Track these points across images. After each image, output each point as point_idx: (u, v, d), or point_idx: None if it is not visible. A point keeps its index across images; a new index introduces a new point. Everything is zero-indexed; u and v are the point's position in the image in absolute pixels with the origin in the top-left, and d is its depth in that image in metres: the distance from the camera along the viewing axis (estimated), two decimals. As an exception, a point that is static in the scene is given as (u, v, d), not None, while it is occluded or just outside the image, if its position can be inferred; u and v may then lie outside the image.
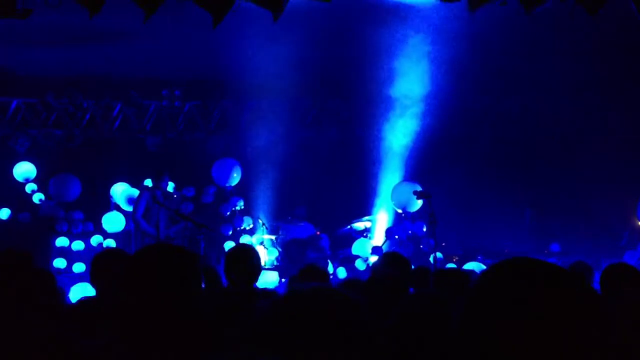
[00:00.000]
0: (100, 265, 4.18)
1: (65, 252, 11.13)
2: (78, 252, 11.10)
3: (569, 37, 9.56)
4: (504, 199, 11.59)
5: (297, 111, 12.19)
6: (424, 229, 10.82)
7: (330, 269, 10.38)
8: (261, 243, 10.85)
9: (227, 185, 11.62)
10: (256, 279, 4.39)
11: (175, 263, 2.33)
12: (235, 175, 11.56)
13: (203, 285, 4.18)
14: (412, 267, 5.31)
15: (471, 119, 12.26)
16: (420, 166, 11.49)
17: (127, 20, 8.46)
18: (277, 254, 10.84)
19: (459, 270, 5.30)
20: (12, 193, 11.61)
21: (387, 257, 4.50)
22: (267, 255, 10.57)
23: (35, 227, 11.41)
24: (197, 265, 2.40)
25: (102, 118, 12.32)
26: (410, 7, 9.39)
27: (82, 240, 11.27)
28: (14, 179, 11.64)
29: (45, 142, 12.17)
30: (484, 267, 9.92)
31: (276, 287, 8.90)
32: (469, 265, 9.51)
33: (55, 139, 12.24)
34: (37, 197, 11.64)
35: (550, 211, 12.11)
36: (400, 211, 11.04)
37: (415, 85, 11.36)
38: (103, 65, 11.16)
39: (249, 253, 4.43)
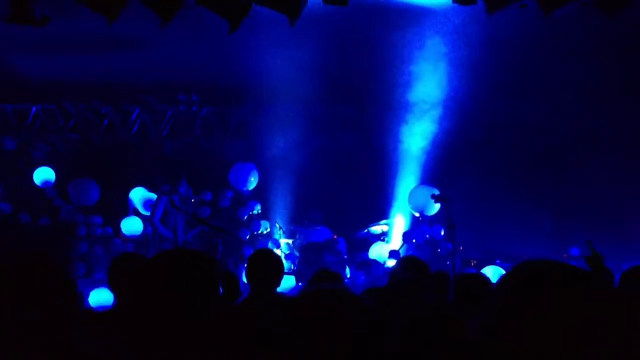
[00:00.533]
0: (118, 270, 4.21)
1: (85, 257, 11.23)
2: (97, 256, 11.18)
3: (587, 40, 9.50)
4: (523, 202, 11.52)
5: (313, 116, 12.20)
6: (442, 233, 10.77)
7: (348, 272, 10.37)
8: (278, 247, 10.85)
9: (245, 189, 11.65)
10: (278, 284, 4.35)
11: (192, 267, 2.34)
12: (252, 179, 11.59)
13: (221, 291, 4.18)
14: (431, 271, 5.29)
15: (489, 122, 12.20)
16: (438, 170, 11.44)
17: (144, 28, 8.52)
18: (293, 258, 10.85)
19: (480, 275, 5.26)
20: (32, 198, 11.73)
21: (405, 261, 4.47)
22: (283, 259, 10.57)
23: (55, 232, 11.52)
24: (214, 270, 2.40)
25: (120, 123, 12.42)
26: (427, 10, 9.38)
27: (101, 245, 11.35)
28: (34, 184, 11.75)
29: (63, 147, 12.29)
30: (503, 270, 9.86)
31: (294, 292, 8.89)
32: (488, 269, 9.46)
33: (74, 144, 12.35)
34: (57, 203, 11.75)
35: (570, 215, 12.01)
36: (417, 215, 11.01)
37: (432, 89, 11.33)
38: (121, 71, 11.23)
39: (271, 258, 4.39)
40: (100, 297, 8.73)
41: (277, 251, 10.51)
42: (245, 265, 4.41)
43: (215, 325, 2.28)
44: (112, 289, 4.26)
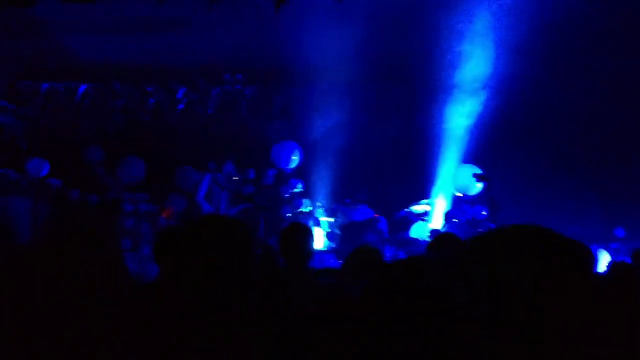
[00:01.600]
0: (163, 244, 4.34)
1: (131, 232, 11.50)
2: (143, 232, 11.44)
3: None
4: (567, 183, 11.38)
5: (357, 96, 12.20)
6: (484, 213, 10.73)
7: (388, 252, 10.42)
8: (319, 226, 10.95)
9: (287, 167, 11.76)
10: (309, 258, 4.40)
11: (230, 232, 2.40)
12: (294, 157, 11.68)
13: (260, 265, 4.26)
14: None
15: (534, 104, 12.04)
16: (481, 150, 11.37)
17: (190, 9, 8.64)
18: (334, 236, 10.93)
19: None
20: (81, 175, 12.03)
21: (441, 237, 4.51)
22: (324, 237, 10.68)
23: (103, 208, 11.81)
24: (251, 236, 2.46)
25: (167, 103, 12.62)
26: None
27: (147, 222, 11.60)
28: (83, 162, 12.06)
29: (112, 126, 12.56)
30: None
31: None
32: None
33: (122, 123, 12.61)
34: (106, 181, 12.03)
35: (615, 195, 11.82)
36: (460, 194, 10.97)
37: (478, 70, 11.23)
38: (167, 52, 11.40)
39: (301, 232, 4.42)
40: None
41: (318, 229, 10.61)
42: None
43: (247, 294, 2.35)
44: (158, 264, 4.39)
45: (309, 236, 4.41)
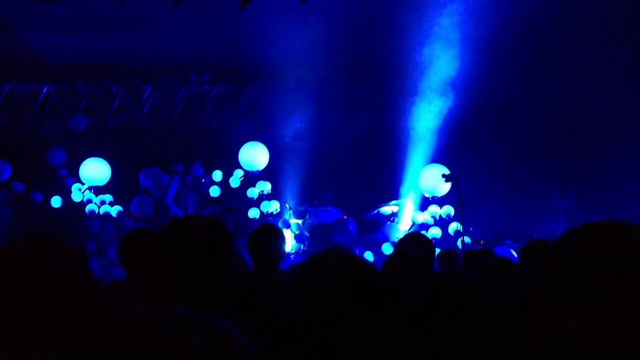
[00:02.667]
0: (128, 247, 4.23)
1: (96, 236, 11.31)
2: (108, 235, 11.26)
3: (601, 21, 9.41)
4: (533, 183, 11.47)
5: (324, 96, 12.16)
6: (452, 213, 10.76)
7: (357, 253, 10.39)
8: (288, 227, 10.88)
9: (255, 169, 11.66)
10: (280, 260, 4.30)
11: (204, 234, 2.34)
12: (262, 159, 11.59)
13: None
14: (438, 249, 5.28)
15: (501, 102, 12.14)
16: (449, 150, 11.40)
17: (155, 7, 8.52)
18: (303, 238, 10.87)
19: (489, 251, 5.23)
20: (44, 178, 11.80)
21: (410, 236, 4.47)
22: (293, 239, 10.60)
23: (67, 211, 11.60)
24: (227, 238, 2.39)
25: (132, 103, 12.44)
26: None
27: (112, 224, 11.42)
28: (46, 164, 11.82)
29: (75, 128, 12.33)
30: (513, 251, 9.85)
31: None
32: (497, 250, 9.44)
33: (86, 124, 12.38)
34: (69, 183, 11.82)
35: (582, 195, 11.95)
36: (428, 195, 10.99)
37: (445, 69, 11.26)
38: (132, 51, 11.24)
39: (272, 233, 4.32)
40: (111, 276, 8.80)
41: (287, 231, 10.54)
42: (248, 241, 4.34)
43: (222, 293, 2.28)
44: (123, 267, 4.28)
45: (280, 238, 4.32)
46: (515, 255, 9.97)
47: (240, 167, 11.73)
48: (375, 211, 11.45)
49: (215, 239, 2.32)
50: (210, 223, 2.42)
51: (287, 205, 11.32)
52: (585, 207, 11.74)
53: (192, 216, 2.67)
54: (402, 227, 10.92)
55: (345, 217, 11.23)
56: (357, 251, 10.42)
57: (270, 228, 4.48)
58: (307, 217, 11.26)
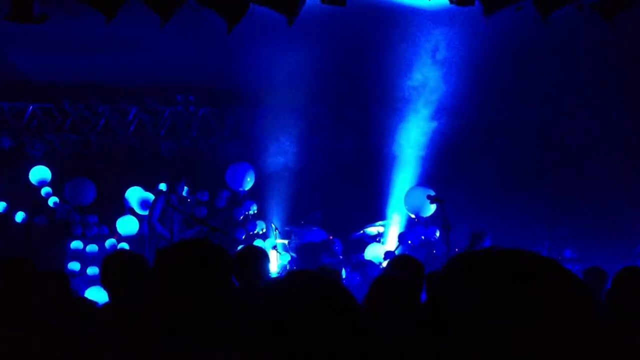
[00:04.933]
0: (110, 267, 4.21)
1: (80, 255, 11.23)
2: (92, 255, 11.20)
3: (586, 45, 9.52)
4: (518, 205, 11.54)
5: (310, 117, 12.21)
6: (437, 234, 10.79)
7: (343, 273, 10.37)
8: (274, 247, 10.87)
9: (241, 189, 11.66)
10: (264, 279, 4.30)
11: (213, 256, 2.33)
12: (249, 179, 11.60)
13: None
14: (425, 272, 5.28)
15: (486, 125, 12.24)
16: (435, 172, 11.46)
17: (142, 29, 8.54)
18: (289, 258, 10.85)
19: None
20: (28, 197, 11.73)
21: (399, 260, 4.48)
22: (279, 259, 10.58)
23: (51, 231, 11.53)
24: (226, 261, 2.39)
25: (118, 123, 12.42)
26: (426, 12, 9.39)
27: (97, 244, 11.36)
28: (30, 183, 11.75)
29: (60, 147, 12.28)
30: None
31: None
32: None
33: (71, 143, 12.34)
34: (53, 201, 11.75)
35: (565, 217, 12.04)
36: (413, 216, 11.02)
37: (430, 92, 11.36)
38: (118, 72, 11.24)
39: (258, 254, 4.35)
40: (95, 295, 8.73)
41: (273, 252, 10.52)
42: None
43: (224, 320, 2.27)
44: (105, 287, 4.26)
45: (265, 259, 4.33)
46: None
47: (227, 187, 11.74)
48: (361, 231, 11.47)
49: (221, 265, 2.32)
50: (214, 248, 2.41)
51: (272, 226, 11.31)
52: (567, 228, 11.85)
53: (192, 241, 2.65)
54: (387, 248, 10.94)
55: (331, 237, 11.24)
56: (344, 271, 10.42)
57: (254, 249, 4.49)
58: (292, 237, 11.25)
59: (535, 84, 11.28)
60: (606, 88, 11.10)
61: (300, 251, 10.97)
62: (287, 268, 10.68)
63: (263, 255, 4.34)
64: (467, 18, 8.66)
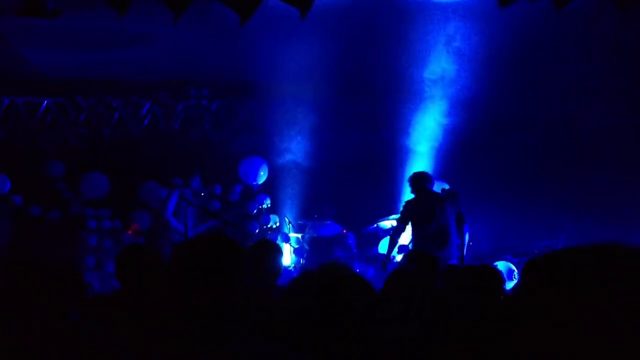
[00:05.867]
0: (125, 262, 4.22)
1: (94, 250, 11.28)
2: (106, 249, 11.24)
3: (602, 39, 9.43)
4: (535, 197, 11.45)
5: (323, 111, 12.18)
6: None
7: (357, 267, 10.36)
8: (287, 241, 10.86)
9: (254, 183, 11.65)
10: (277, 275, 4.27)
11: (218, 254, 2.33)
12: (262, 173, 11.60)
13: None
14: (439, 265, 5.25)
15: (502, 117, 12.14)
16: (449, 165, 11.40)
17: (155, 24, 8.53)
18: (303, 252, 10.84)
19: (489, 266, 5.19)
20: (42, 191, 11.78)
21: (413, 255, 4.45)
22: (292, 253, 10.58)
23: (65, 225, 11.58)
24: (239, 257, 2.38)
25: (131, 118, 12.45)
26: (439, 4, 9.33)
27: (111, 238, 11.40)
28: (44, 177, 11.81)
29: (74, 141, 12.33)
30: (513, 266, 9.83)
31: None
32: (497, 265, 9.41)
33: (85, 138, 12.39)
34: (67, 196, 11.81)
35: (583, 211, 11.93)
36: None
37: (444, 85, 11.29)
38: (132, 66, 11.26)
39: (269, 248, 4.30)
40: (109, 289, 8.77)
41: (286, 245, 10.51)
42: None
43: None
44: (120, 281, 4.27)
45: (278, 253, 4.30)
46: (515, 269, 9.96)
47: (240, 181, 11.74)
48: (375, 225, 11.42)
49: (237, 260, 2.31)
50: (231, 243, 2.40)
51: (286, 219, 11.31)
52: (583, 223, 11.74)
53: (209, 236, 2.64)
54: (401, 241, 10.88)
55: (344, 231, 11.21)
56: (357, 266, 10.40)
57: (267, 243, 4.46)
58: (306, 231, 11.24)
59: (548, 78, 11.17)
60: (623, 81, 10.98)
61: (314, 245, 10.95)
62: (300, 262, 10.67)
63: (276, 250, 4.31)
64: (482, 10, 8.59)
